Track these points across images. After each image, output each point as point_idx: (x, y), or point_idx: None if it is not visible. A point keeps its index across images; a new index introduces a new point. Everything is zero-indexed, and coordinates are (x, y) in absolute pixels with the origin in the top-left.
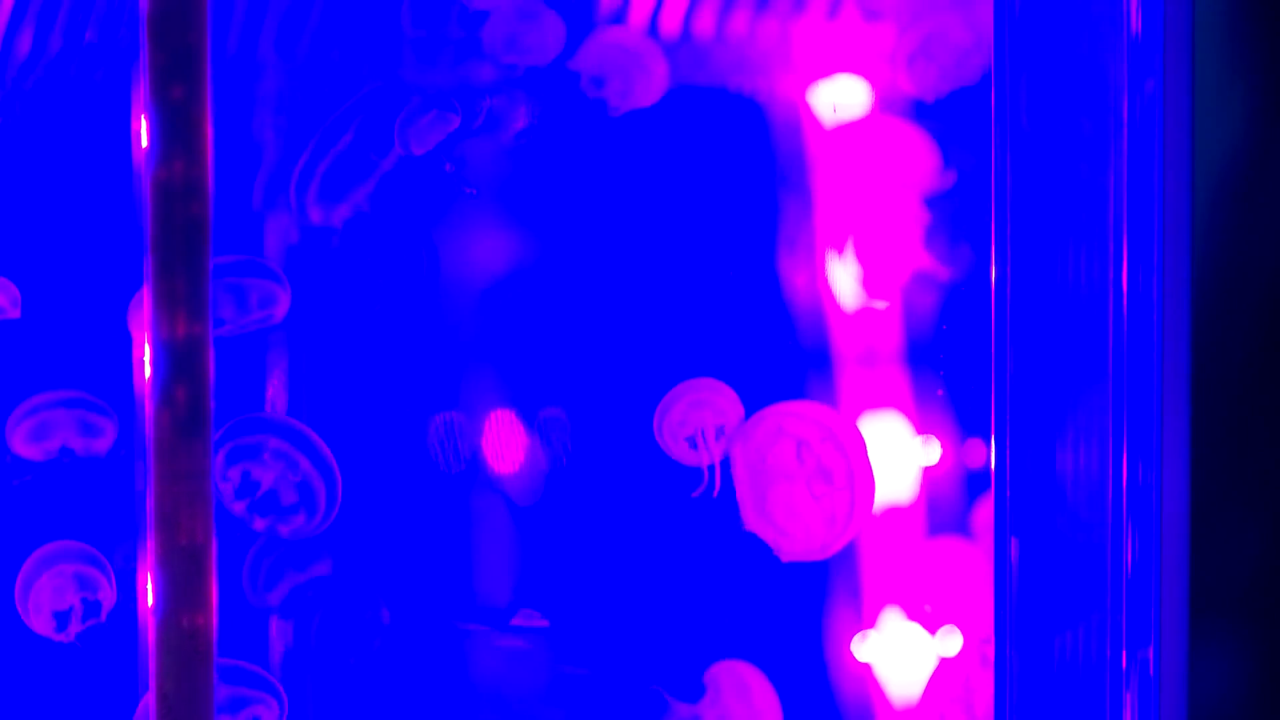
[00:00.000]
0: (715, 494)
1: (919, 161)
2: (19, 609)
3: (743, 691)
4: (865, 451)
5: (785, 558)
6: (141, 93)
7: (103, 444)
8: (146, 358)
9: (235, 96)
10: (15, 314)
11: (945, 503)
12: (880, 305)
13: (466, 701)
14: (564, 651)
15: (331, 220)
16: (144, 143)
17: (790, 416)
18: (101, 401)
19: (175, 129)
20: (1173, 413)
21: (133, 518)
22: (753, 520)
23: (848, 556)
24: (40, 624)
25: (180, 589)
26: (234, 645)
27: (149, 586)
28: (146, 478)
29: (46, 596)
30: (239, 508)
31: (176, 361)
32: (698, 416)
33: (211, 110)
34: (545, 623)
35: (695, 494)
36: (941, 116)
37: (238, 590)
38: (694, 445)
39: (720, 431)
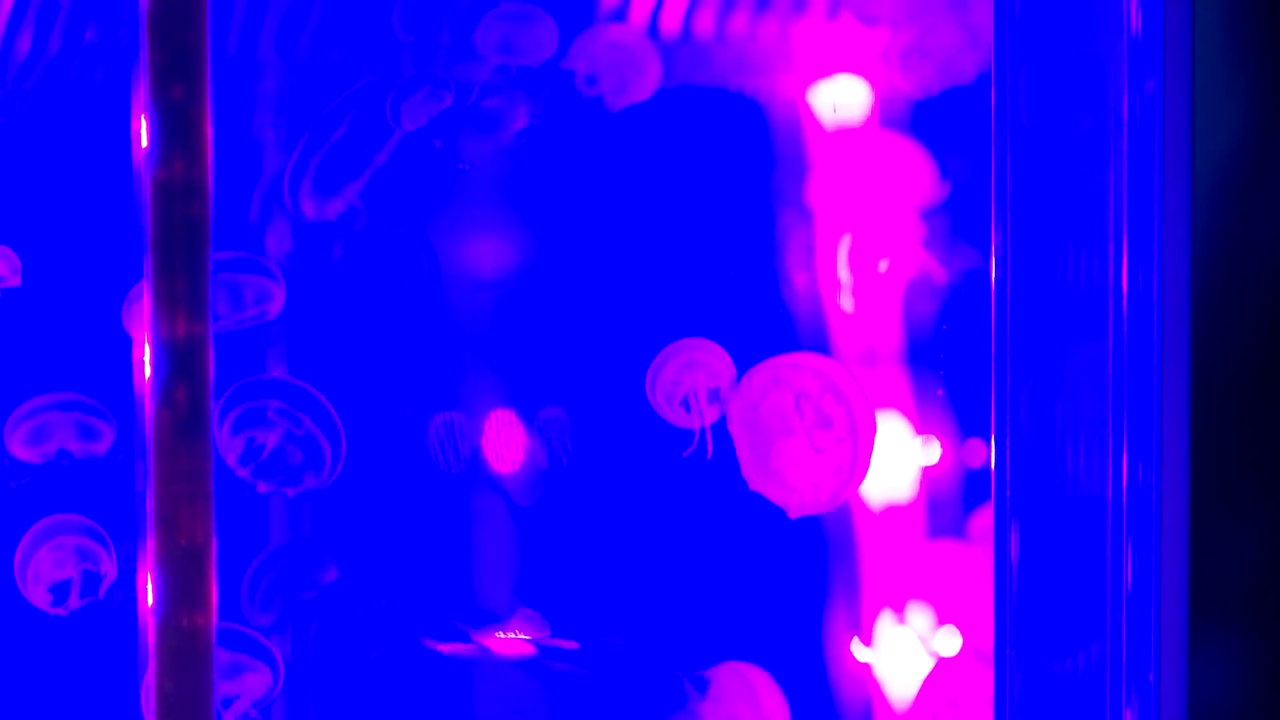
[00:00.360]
0: (709, 456)
1: (917, 168)
2: (18, 583)
3: (748, 693)
4: (863, 397)
5: (793, 514)
6: (141, 93)
7: (100, 447)
8: (146, 358)
9: (235, 96)
10: (16, 282)
11: (945, 503)
12: (878, 309)
13: (467, 701)
14: (567, 651)
15: (327, 215)
16: (144, 143)
17: (785, 368)
18: (99, 404)
19: (175, 129)
20: (1173, 413)
21: (131, 519)
22: (756, 479)
23: (848, 555)
24: (38, 597)
25: (180, 589)
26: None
27: (149, 586)
28: (146, 478)
29: (46, 569)
30: (245, 472)
31: (176, 361)
32: (690, 378)
33: (211, 110)
34: (542, 634)
35: (686, 454)
36: (939, 115)
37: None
38: (687, 407)
39: (713, 394)
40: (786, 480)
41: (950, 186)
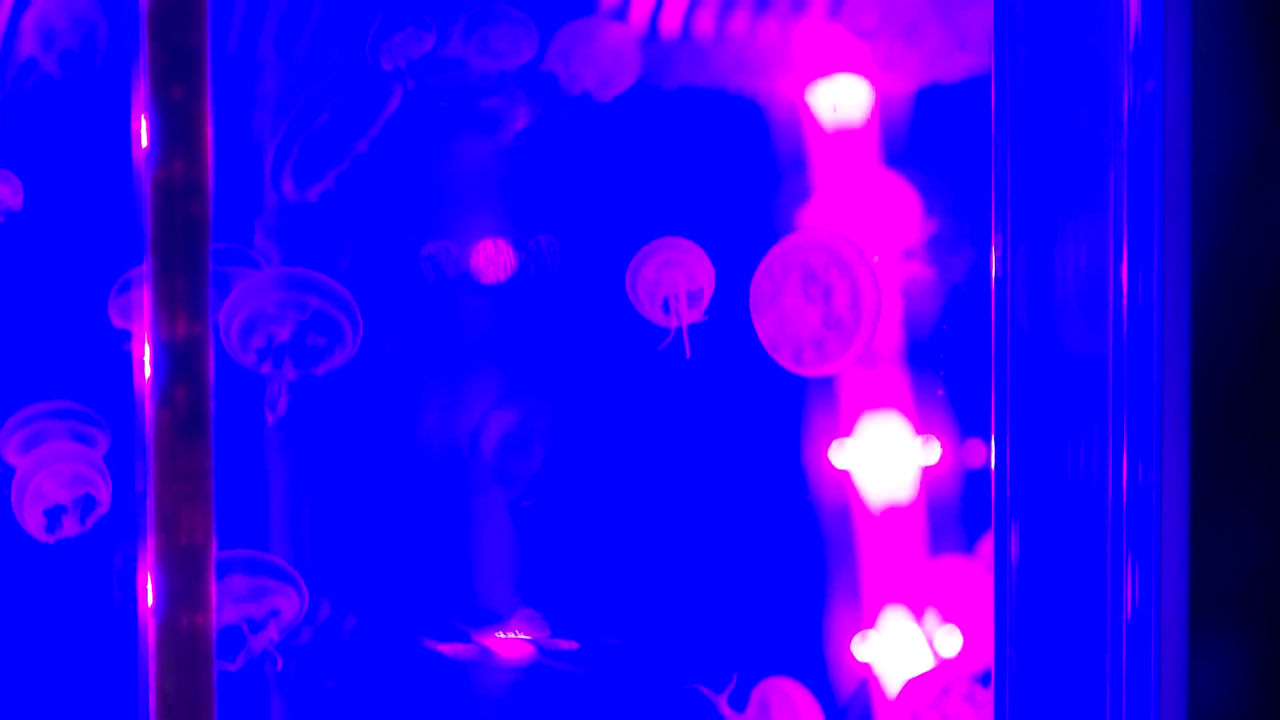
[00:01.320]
0: (688, 356)
1: (915, 171)
2: (15, 511)
3: (784, 699)
4: (862, 262)
5: (809, 371)
6: (141, 93)
7: (95, 454)
8: (146, 358)
9: (235, 96)
10: (17, 204)
11: (945, 503)
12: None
13: (467, 701)
14: (567, 651)
15: (314, 203)
16: (144, 143)
17: (791, 247)
18: (93, 411)
19: (175, 129)
20: (1173, 413)
21: (129, 524)
22: (781, 356)
23: (847, 555)
24: (33, 521)
25: (180, 589)
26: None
27: (149, 586)
28: (146, 478)
29: (46, 491)
30: (265, 368)
31: (176, 361)
32: (670, 278)
33: (211, 110)
34: (542, 634)
35: (661, 347)
36: (938, 115)
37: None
38: (666, 308)
39: (693, 296)
40: (805, 349)
41: (949, 187)
